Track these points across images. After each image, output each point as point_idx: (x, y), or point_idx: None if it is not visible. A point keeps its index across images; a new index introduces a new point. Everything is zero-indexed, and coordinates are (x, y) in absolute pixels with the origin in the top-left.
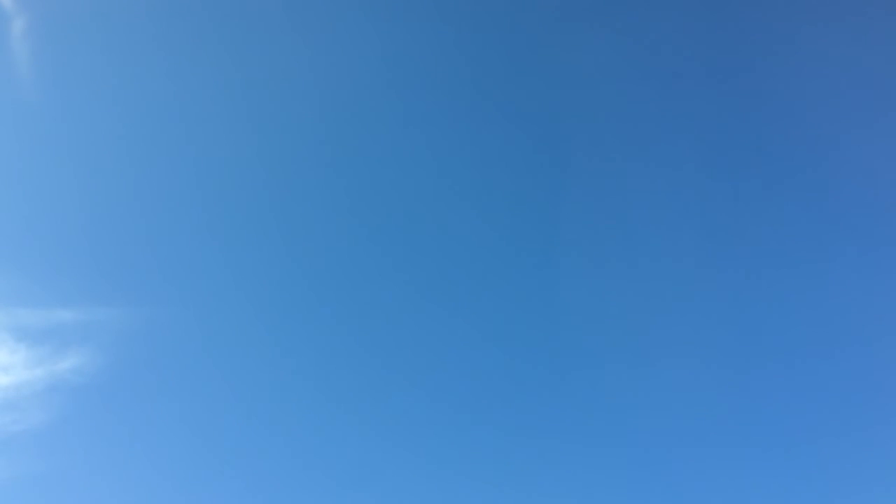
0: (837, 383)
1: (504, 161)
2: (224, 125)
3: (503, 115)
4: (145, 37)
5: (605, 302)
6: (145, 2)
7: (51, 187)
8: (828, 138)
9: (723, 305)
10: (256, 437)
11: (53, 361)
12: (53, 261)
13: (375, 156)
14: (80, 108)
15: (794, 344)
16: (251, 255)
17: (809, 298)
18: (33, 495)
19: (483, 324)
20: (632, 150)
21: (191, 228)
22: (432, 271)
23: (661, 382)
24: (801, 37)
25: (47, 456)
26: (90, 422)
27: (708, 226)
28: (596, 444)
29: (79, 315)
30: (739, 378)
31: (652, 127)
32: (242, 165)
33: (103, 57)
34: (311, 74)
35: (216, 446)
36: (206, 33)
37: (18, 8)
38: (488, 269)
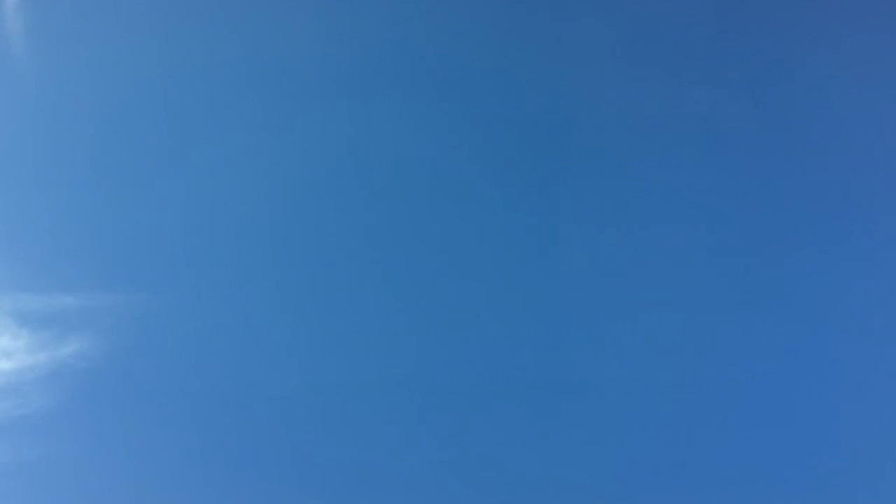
0: (841, 384)
1: (505, 157)
2: (227, 114)
3: (503, 112)
4: (149, 24)
5: (606, 300)
6: None
7: (52, 173)
8: (836, 132)
9: (724, 302)
10: (259, 424)
11: (56, 347)
12: (56, 246)
13: (377, 148)
14: (80, 94)
15: (797, 343)
16: (254, 241)
17: (813, 296)
18: (35, 479)
19: (483, 321)
20: (633, 145)
21: (194, 214)
22: (433, 265)
23: (663, 381)
24: (813, 29)
25: (50, 441)
26: (93, 407)
27: (712, 221)
28: (596, 442)
29: (82, 300)
30: (743, 376)
31: (653, 122)
32: (245, 153)
33: (105, 44)
34: (311, 64)
35: (219, 433)
36: (207, 23)
37: None
38: (488, 265)
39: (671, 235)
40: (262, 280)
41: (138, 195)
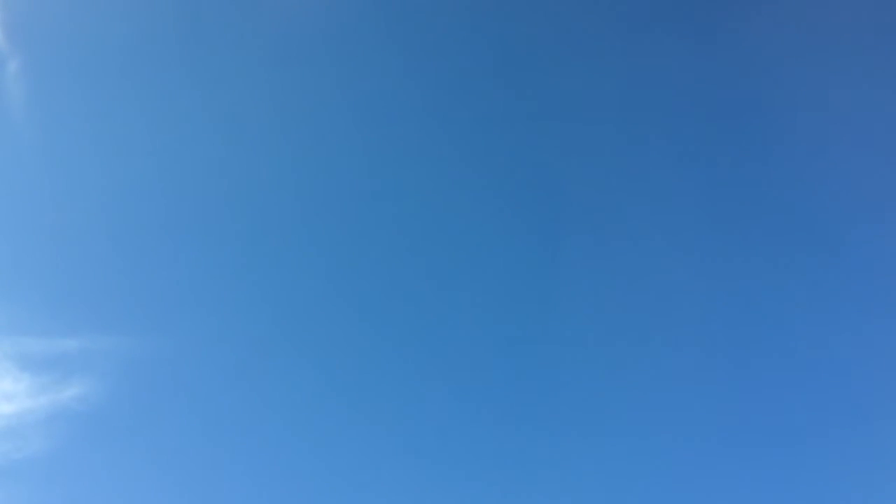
0: (839, 382)
1: (509, 164)
2: (232, 159)
3: (510, 121)
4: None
5: (606, 299)
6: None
7: (54, 217)
8: (825, 139)
9: (724, 300)
10: (260, 465)
11: (57, 390)
12: (57, 290)
13: (380, 166)
14: (79, 139)
15: (796, 341)
16: (254, 283)
17: (811, 295)
18: None
19: (486, 319)
20: (632, 148)
21: (195, 258)
22: (435, 274)
23: (662, 381)
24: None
25: (50, 484)
26: (93, 450)
27: (708, 221)
28: (595, 442)
29: (82, 344)
30: (741, 373)
31: (652, 126)
32: (245, 194)
33: (103, 84)
34: (316, 88)
35: (219, 474)
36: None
37: (13, 49)
38: (493, 264)
39: (671, 235)
40: (263, 325)
41: (140, 240)
